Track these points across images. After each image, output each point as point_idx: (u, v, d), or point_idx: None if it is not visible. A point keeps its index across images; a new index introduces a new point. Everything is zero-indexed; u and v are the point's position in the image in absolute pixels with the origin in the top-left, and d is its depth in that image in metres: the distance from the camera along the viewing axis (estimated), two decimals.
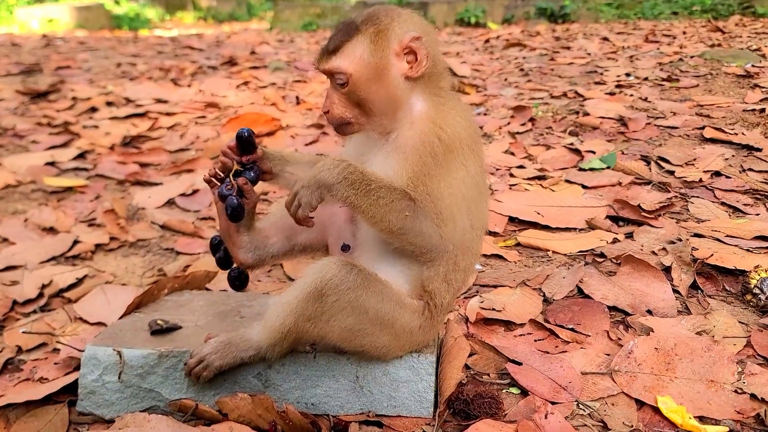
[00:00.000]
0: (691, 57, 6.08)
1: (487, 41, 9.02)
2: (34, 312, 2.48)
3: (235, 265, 1.92)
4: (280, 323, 1.61)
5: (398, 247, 1.63)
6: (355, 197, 1.50)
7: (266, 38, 11.26)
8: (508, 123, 4.54)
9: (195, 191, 3.65)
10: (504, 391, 1.87)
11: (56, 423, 1.79)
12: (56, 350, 2.18)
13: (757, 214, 2.90)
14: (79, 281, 2.70)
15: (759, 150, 3.60)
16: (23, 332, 2.28)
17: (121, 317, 2.04)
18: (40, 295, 2.57)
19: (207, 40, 11.14)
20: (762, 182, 3.21)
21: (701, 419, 1.71)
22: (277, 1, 21.48)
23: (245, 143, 1.75)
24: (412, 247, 1.59)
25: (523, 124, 4.47)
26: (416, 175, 1.53)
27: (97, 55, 8.69)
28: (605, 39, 8.31)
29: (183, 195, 3.62)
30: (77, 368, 1.90)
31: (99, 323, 2.33)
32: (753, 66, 5.50)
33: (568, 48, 7.67)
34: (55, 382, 1.91)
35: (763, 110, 4.24)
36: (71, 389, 1.86)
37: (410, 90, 1.61)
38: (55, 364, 2.05)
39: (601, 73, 5.82)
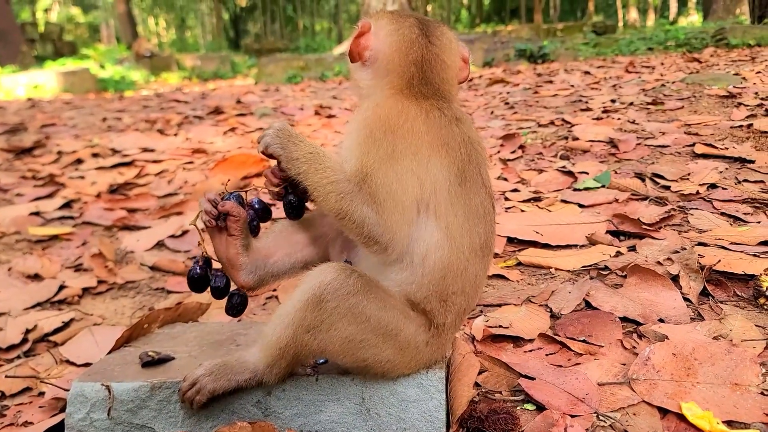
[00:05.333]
0: (673, 83, 6.16)
1: (470, 80, 9.13)
2: (18, 357, 2.36)
3: (233, 289, 1.81)
4: (277, 337, 1.51)
5: (396, 265, 1.58)
6: (305, 177, 1.50)
7: (251, 89, 11.35)
8: (498, 151, 4.53)
9: (185, 232, 3.56)
10: (519, 407, 1.76)
11: None
12: (41, 394, 2.06)
13: (759, 222, 2.86)
14: (66, 325, 2.59)
15: (752, 162, 3.59)
16: (6, 377, 2.15)
17: (109, 352, 1.93)
18: (25, 340, 2.46)
19: (192, 94, 11.20)
20: (760, 191, 3.17)
21: (729, 424, 1.61)
22: (260, 56, 21.85)
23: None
24: (355, 235, 1.51)
25: (513, 152, 4.45)
26: (355, 155, 1.49)
27: (82, 113, 8.68)
28: (587, 72, 8.43)
29: (172, 237, 3.54)
30: (63, 409, 1.78)
31: (87, 364, 2.21)
32: (735, 87, 5.56)
33: (551, 82, 7.76)
34: (40, 424, 1.79)
35: (750, 125, 4.25)
36: None
37: (372, 81, 1.65)
38: (40, 407, 1.93)
39: (586, 102, 5.86)
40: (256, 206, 1.75)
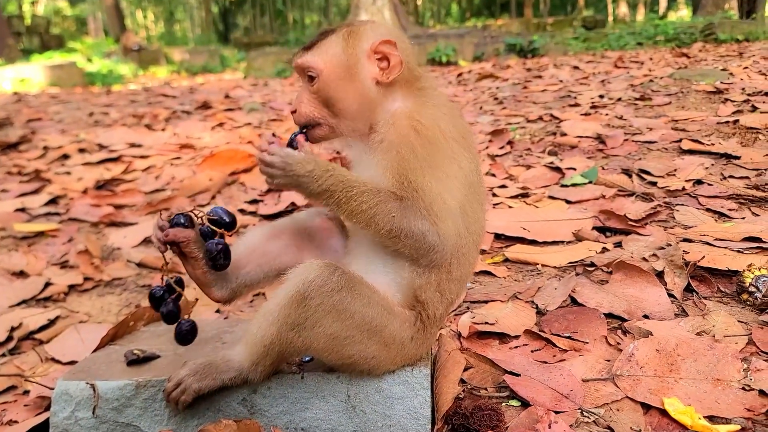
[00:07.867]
0: (661, 78, 6.18)
1: (459, 75, 9.14)
2: (3, 355, 2.34)
3: (183, 318, 1.70)
4: (261, 335, 1.50)
5: (391, 254, 1.55)
6: (337, 206, 1.46)
7: (240, 83, 11.30)
8: (487, 147, 4.53)
9: None
10: (504, 404, 1.77)
11: None
12: (26, 392, 2.05)
13: (743, 218, 2.88)
14: (51, 322, 2.57)
15: (737, 158, 3.62)
16: None
17: (94, 350, 1.92)
18: (9, 338, 2.44)
19: (180, 88, 11.14)
20: (744, 187, 3.20)
21: (711, 419, 1.63)
22: (249, 50, 21.74)
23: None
24: (408, 250, 1.50)
25: (501, 147, 4.46)
26: (398, 171, 1.47)
27: (69, 107, 8.62)
28: (576, 68, 8.45)
29: None
30: (48, 408, 1.77)
31: (72, 362, 2.20)
32: (722, 83, 5.59)
33: (540, 77, 7.77)
34: (24, 423, 1.78)
35: (736, 121, 4.28)
36: (43, 431, 1.73)
37: (385, 94, 1.58)
38: (25, 405, 1.92)
39: (575, 97, 5.88)
40: (225, 218, 1.64)
